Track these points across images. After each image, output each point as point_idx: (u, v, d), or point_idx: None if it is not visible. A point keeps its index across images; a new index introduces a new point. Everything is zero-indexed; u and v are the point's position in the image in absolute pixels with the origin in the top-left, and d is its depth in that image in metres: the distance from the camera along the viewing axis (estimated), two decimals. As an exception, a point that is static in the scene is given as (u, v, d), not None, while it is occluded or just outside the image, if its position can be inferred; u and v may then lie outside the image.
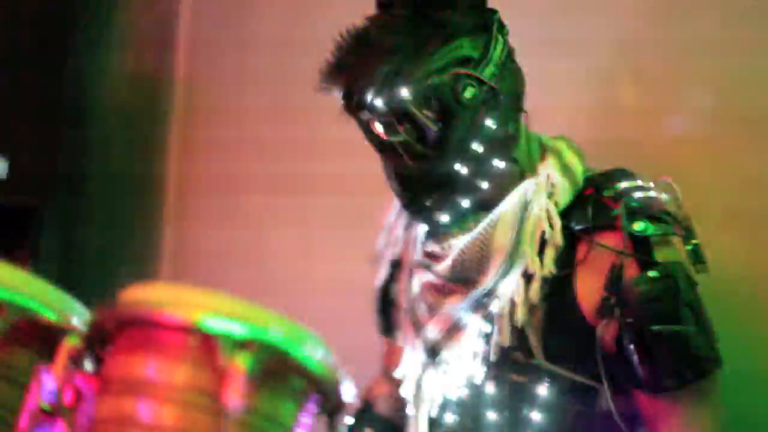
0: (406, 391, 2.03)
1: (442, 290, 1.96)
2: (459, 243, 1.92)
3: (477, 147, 1.87)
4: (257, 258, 3.12)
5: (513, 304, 1.89)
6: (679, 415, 1.84)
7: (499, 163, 1.89)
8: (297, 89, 2.38)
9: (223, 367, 1.18)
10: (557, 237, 1.88)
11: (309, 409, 1.31)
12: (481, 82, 1.85)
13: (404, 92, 1.82)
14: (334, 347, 1.39)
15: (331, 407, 1.34)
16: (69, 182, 3.31)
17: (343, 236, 2.86)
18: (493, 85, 1.86)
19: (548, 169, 1.93)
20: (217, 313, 1.21)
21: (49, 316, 1.32)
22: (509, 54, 1.92)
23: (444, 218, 1.90)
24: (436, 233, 1.95)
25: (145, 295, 1.25)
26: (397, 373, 2.08)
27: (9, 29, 3.10)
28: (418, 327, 2.01)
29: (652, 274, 1.82)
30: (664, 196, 1.91)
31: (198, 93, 3.30)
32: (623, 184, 1.91)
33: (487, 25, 1.89)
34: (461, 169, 1.87)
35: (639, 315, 1.80)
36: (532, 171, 1.94)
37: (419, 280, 2.00)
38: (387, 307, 2.13)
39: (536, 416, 1.88)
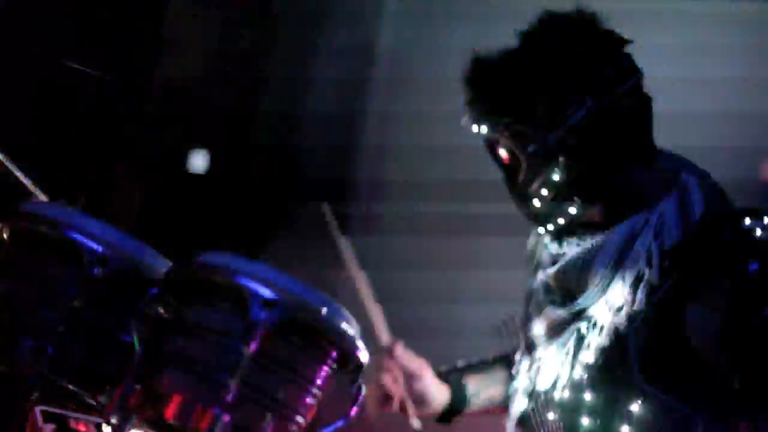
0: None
1: (552, 292, 2.10)
2: (568, 253, 2.05)
3: (543, 192, 2.01)
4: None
5: (601, 327, 1.98)
6: None
7: (572, 208, 2.02)
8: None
9: (252, 320, 1.53)
10: (652, 276, 1.95)
11: (329, 365, 1.62)
12: (545, 142, 1.98)
13: (484, 130, 2.03)
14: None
15: (352, 367, 1.63)
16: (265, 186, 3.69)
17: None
18: (555, 147, 1.98)
19: (665, 206, 2.00)
20: (253, 278, 1.55)
21: (143, 268, 1.71)
22: (599, 119, 1.97)
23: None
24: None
25: (205, 259, 1.61)
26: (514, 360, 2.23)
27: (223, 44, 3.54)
28: (527, 322, 2.15)
29: (766, 313, 1.88)
30: None
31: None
32: (747, 222, 1.94)
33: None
34: (535, 209, 2.03)
35: (751, 351, 1.88)
36: (653, 203, 2.00)
37: (540, 278, 2.14)
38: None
39: (626, 430, 1.97)
